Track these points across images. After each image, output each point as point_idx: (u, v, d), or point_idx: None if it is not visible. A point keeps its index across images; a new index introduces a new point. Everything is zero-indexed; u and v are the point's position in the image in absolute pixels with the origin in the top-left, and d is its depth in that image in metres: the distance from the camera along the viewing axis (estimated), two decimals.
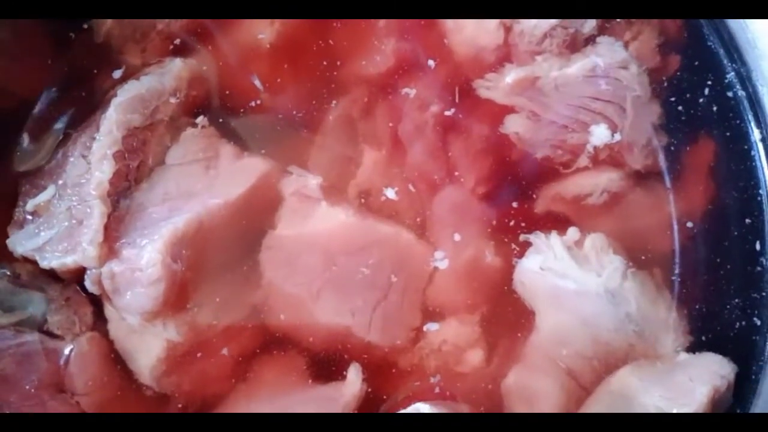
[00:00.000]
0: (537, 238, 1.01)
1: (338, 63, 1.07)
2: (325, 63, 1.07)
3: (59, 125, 1.06)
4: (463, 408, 0.95)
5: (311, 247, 1.01)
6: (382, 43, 1.08)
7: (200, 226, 0.98)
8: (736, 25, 0.98)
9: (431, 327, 1.00)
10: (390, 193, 1.03)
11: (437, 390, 0.98)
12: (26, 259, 0.98)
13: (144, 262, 0.94)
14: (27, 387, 0.94)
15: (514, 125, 1.06)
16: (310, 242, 1.01)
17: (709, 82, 1.04)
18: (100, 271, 0.96)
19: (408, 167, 1.06)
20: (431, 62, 1.07)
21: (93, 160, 0.99)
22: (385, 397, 0.97)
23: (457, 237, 1.02)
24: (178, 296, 0.96)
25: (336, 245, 1.01)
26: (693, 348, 0.98)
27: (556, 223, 1.03)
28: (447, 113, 1.07)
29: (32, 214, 1.00)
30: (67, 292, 1.00)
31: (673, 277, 1.03)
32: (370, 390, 0.97)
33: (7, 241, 0.98)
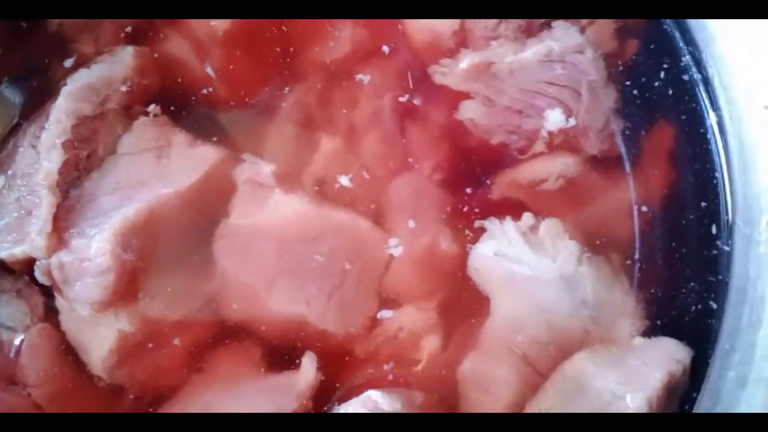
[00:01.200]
0: (491, 224, 1.01)
1: (292, 50, 1.06)
2: (278, 50, 1.06)
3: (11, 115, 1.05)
4: (417, 395, 0.94)
5: (265, 236, 1.00)
6: (337, 29, 1.07)
7: (151, 215, 0.97)
8: None
9: (385, 314, 0.99)
10: (344, 180, 1.03)
11: (390, 377, 0.97)
12: None
13: (93, 252, 0.93)
14: None
15: (469, 111, 1.05)
16: (264, 231, 1.00)
17: (665, 66, 1.03)
18: (49, 261, 0.95)
19: (364, 154, 1.05)
20: (386, 48, 1.06)
21: (42, 150, 0.98)
22: (338, 385, 0.96)
23: (411, 224, 1.02)
24: (128, 286, 0.95)
25: (290, 233, 1.00)
26: (649, 333, 0.98)
27: (513, 209, 1.03)
28: (403, 100, 1.06)
29: None
30: (18, 284, 0.99)
31: (630, 262, 1.02)
32: (324, 378, 0.96)
33: None
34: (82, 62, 1.05)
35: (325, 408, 0.95)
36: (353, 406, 0.89)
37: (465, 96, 1.05)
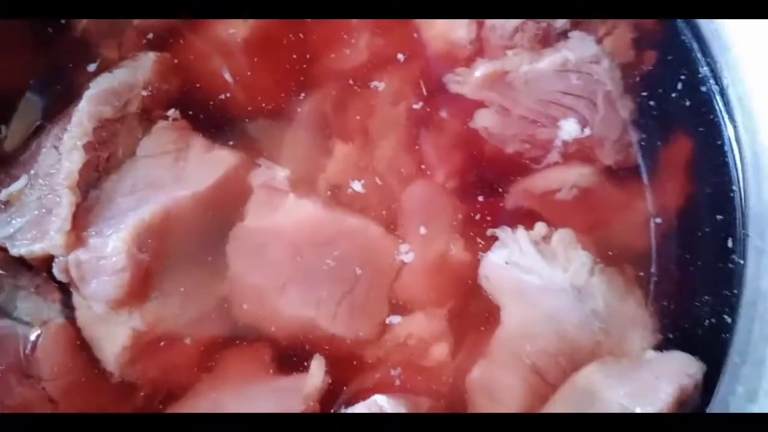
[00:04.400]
0: (503, 233, 1.00)
1: (308, 56, 1.08)
2: (295, 57, 1.08)
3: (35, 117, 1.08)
4: (423, 402, 0.94)
5: (278, 239, 1.01)
6: (353, 37, 1.08)
7: (167, 216, 0.98)
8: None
9: (395, 320, 1.00)
10: (357, 186, 1.03)
11: (398, 383, 0.97)
12: None
13: (109, 250, 0.96)
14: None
15: (483, 120, 1.05)
16: (277, 234, 1.01)
17: (683, 77, 1.03)
18: (66, 259, 0.97)
19: (378, 161, 1.06)
20: (401, 56, 1.07)
21: (63, 151, 1.00)
22: (345, 388, 0.97)
23: (423, 230, 1.02)
24: (142, 285, 0.97)
25: (303, 237, 1.01)
26: (661, 346, 0.96)
27: (526, 218, 1.02)
28: (417, 107, 1.06)
29: (5, 203, 1.02)
30: (36, 280, 1.01)
31: (644, 274, 1.01)
32: (331, 382, 0.96)
33: None
34: (105, 67, 1.07)
35: (332, 411, 0.95)
36: (359, 410, 0.90)
37: (480, 105, 1.06)
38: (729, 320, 0.95)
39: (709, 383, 0.91)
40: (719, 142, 0.99)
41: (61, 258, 0.98)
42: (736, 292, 0.95)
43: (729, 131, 1.00)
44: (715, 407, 0.84)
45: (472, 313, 1.01)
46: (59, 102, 1.07)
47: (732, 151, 0.98)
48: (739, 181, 0.98)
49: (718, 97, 0.99)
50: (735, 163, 0.97)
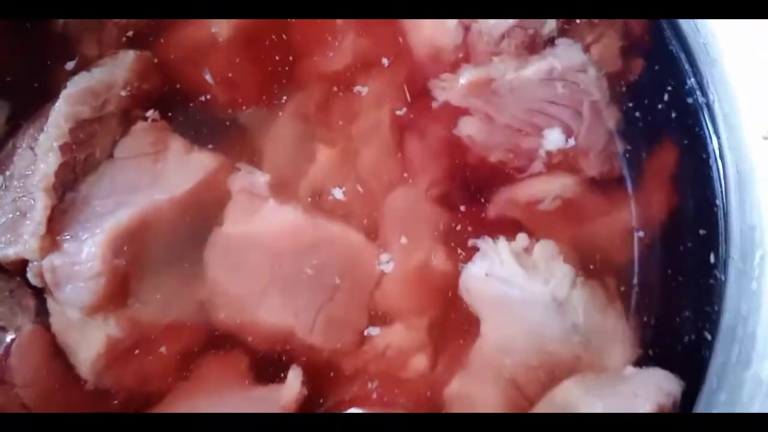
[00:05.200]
0: (485, 244, 1.00)
1: (291, 58, 1.06)
2: (277, 58, 1.06)
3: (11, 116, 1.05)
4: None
5: (257, 246, 1.00)
6: (337, 39, 1.06)
7: (144, 221, 0.97)
8: (689, 29, 0.95)
9: (374, 331, 0.99)
10: (338, 193, 1.02)
11: (375, 396, 0.96)
12: None
13: (84, 256, 0.94)
14: None
15: (467, 128, 1.04)
16: (256, 240, 1.00)
17: (669, 88, 1.02)
18: (41, 263, 0.96)
19: (360, 167, 1.05)
20: (385, 60, 1.05)
21: (39, 152, 0.98)
22: (322, 401, 0.96)
23: (404, 240, 1.01)
24: (118, 291, 0.96)
25: (282, 244, 1.00)
26: (641, 361, 0.96)
27: (509, 228, 1.01)
28: (402, 113, 1.05)
29: None
30: (11, 284, 1.00)
31: (626, 288, 1.00)
32: (308, 393, 0.95)
33: None
34: (84, 65, 1.05)
35: None
36: None
37: (464, 112, 1.04)
38: (709, 337, 0.95)
39: (685, 401, 0.91)
40: (704, 156, 0.98)
41: (35, 263, 0.96)
42: (716, 308, 0.94)
43: (714, 145, 0.99)
44: None
45: (452, 325, 1.00)
46: (37, 100, 1.04)
47: (717, 165, 0.97)
48: (722, 197, 0.97)
49: (704, 110, 0.97)
50: (719, 178, 0.96)
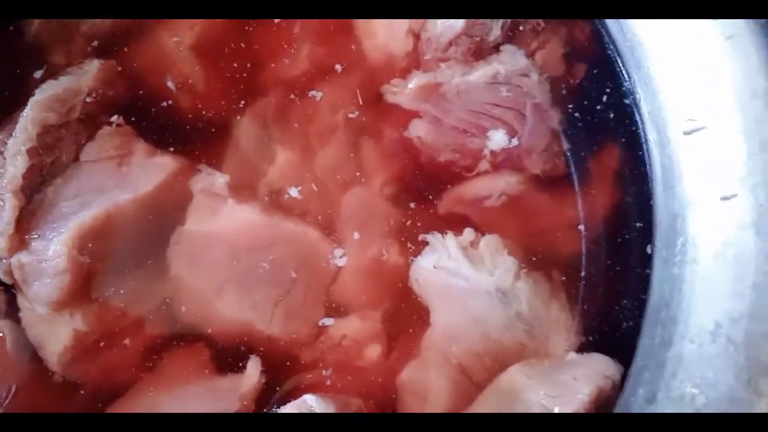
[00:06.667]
0: (434, 238, 1.05)
1: (249, 65, 1.11)
2: (236, 65, 1.11)
3: None
4: (353, 401, 0.98)
5: (217, 243, 1.04)
6: (294, 47, 1.11)
7: (108, 219, 1.02)
8: (617, 32, 1.01)
9: (328, 322, 1.04)
10: (294, 192, 1.07)
11: (328, 383, 1.01)
12: None
13: (50, 253, 0.99)
14: None
15: (417, 130, 1.09)
16: (216, 238, 1.04)
17: (608, 90, 1.06)
18: (10, 261, 1.00)
19: (317, 168, 1.10)
20: (338, 66, 1.11)
21: (8, 156, 1.03)
22: (278, 388, 1.00)
23: (357, 235, 1.06)
24: (84, 287, 1.00)
25: (241, 241, 1.04)
26: (584, 348, 1.01)
27: (458, 224, 1.06)
28: (354, 117, 1.10)
29: None
30: None
31: (570, 279, 1.05)
32: (266, 381, 1.00)
33: None
34: (52, 73, 1.10)
35: (265, 410, 0.99)
36: (289, 409, 0.93)
37: (414, 115, 1.09)
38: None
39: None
40: (640, 153, 1.03)
41: (4, 261, 1.01)
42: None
43: (649, 142, 1.04)
44: (619, 408, 0.88)
45: (404, 315, 1.05)
46: (7, 107, 1.09)
47: (650, 161, 1.02)
48: (654, 191, 1.02)
49: (636, 109, 1.02)
50: (652, 173, 1.01)
